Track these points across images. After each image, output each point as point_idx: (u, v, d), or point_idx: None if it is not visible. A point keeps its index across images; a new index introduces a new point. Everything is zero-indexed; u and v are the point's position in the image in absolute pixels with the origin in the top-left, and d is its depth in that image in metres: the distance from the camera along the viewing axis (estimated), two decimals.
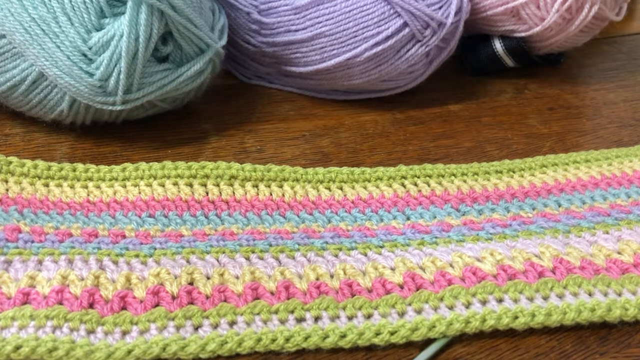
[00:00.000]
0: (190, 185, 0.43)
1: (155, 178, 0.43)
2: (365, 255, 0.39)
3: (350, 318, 0.35)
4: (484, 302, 0.37)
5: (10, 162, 0.42)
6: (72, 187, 0.42)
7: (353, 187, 0.45)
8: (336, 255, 0.39)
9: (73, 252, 0.37)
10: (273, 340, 0.34)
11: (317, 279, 0.37)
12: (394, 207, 0.44)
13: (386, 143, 0.52)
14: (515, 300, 0.37)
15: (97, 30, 0.43)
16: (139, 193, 0.42)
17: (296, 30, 0.53)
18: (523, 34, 0.60)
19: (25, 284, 0.34)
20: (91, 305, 0.34)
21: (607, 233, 0.43)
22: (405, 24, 0.51)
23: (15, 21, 0.42)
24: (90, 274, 0.35)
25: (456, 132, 0.55)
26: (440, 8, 0.52)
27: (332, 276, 0.38)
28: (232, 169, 0.44)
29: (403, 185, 0.46)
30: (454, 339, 0.36)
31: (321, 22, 0.52)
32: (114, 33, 0.42)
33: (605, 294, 0.38)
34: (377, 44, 0.51)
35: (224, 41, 0.50)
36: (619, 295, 0.38)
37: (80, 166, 0.43)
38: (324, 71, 0.54)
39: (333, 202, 0.44)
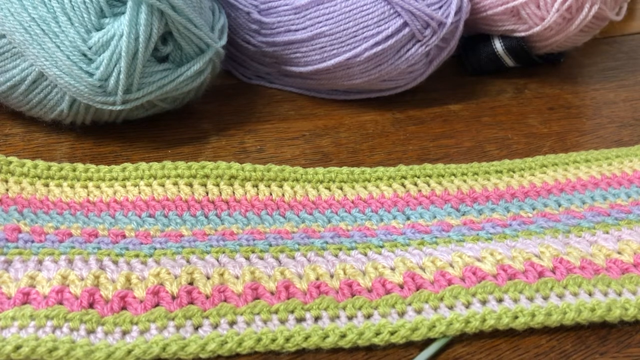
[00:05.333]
0: (190, 185, 0.43)
1: (155, 178, 0.43)
2: (365, 255, 0.39)
3: (350, 318, 0.35)
4: (484, 302, 0.37)
5: (10, 162, 0.42)
6: (72, 187, 0.42)
7: (353, 187, 0.45)
8: (336, 255, 0.39)
9: (73, 252, 0.37)
10: (273, 340, 0.34)
11: (317, 278, 0.37)
12: (394, 207, 0.44)
13: (386, 143, 0.52)
14: (515, 300, 0.37)
15: (97, 30, 0.43)
16: (139, 193, 0.42)
17: (296, 30, 0.53)
18: (523, 34, 0.60)
19: (25, 284, 0.34)
20: (91, 305, 0.34)
21: (607, 233, 0.43)
22: (405, 24, 0.51)
23: (15, 21, 0.42)
24: (90, 274, 0.35)
25: (456, 132, 0.55)
26: (440, 8, 0.52)
27: (332, 276, 0.38)
28: (232, 169, 0.44)
29: (403, 185, 0.46)
30: (454, 339, 0.36)
31: (321, 21, 0.52)
32: (114, 33, 0.42)
33: (605, 294, 0.38)
34: (377, 43, 0.51)
35: (224, 41, 0.50)
36: (619, 295, 0.38)
37: (80, 166, 0.43)
38: (324, 71, 0.54)
39: (333, 202, 0.44)
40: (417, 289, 0.37)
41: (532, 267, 0.39)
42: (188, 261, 0.37)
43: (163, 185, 0.42)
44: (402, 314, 0.36)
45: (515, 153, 0.52)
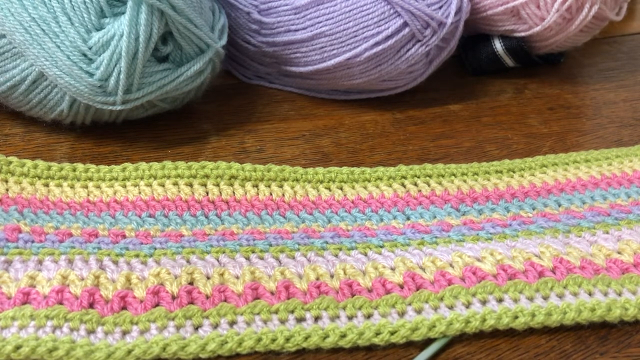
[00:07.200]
0: (190, 185, 0.43)
1: (155, 178, 0.43)
2: (365, 255, 0.39)
3: (350, 318, 0.35)
4: (484, 302, 0.37)
5: (10, 162, 0.42)
6: (72, 187, 0.42)
7: (353, 187, 0.45)
8: (336, 255, 0.39)
9: (73, 252, 0.37)
10: (273, 340, 0.34)
11: (317, 278, 0.37)
12: (394, 207, 0.44)
13: (386, 143, 0.52)
14: (515, 300, 0.37)
15: (97, 30, 0.43)
16: (139, 193, 0.42)
17: (296, 30, 0.53)
18: (523, 34, 0.60)
19: (25, 284, 0.34)
20: (91, 305, 0.34)
21: (607, 233, 0.43)
22: (405, 24, 0.51)
23: (15, 21, 0.42)
24: (91, 274, 0.35)
25: (456, 132, 0.55)
26: (440, 8, 0.52)
27: (332, 276, 0.38)
28: (232, 169, 0.44)
29: (403, 185, 0.46)
30: (454, 339, 0.36)
31: (321, 22, 0.52)
32: (114, 33, 0.42)
33: (605, 294, 0.38)
34: (377, 43, 0.51)
35: (224, 41, 0.50)
36: (619, 295, 0.38)
37: (80, 166, 0.43)
38: (324, 71, 0.54)
39: (333, 202, 0.44)
40: (417, 289, 0.37)
41: (532, 267, 0.39)
42: (188, 261, 0.37)
43: (163, 185, 0.42)
44: (402, 314, 0.36)
45: (515, 153, 0.52)
